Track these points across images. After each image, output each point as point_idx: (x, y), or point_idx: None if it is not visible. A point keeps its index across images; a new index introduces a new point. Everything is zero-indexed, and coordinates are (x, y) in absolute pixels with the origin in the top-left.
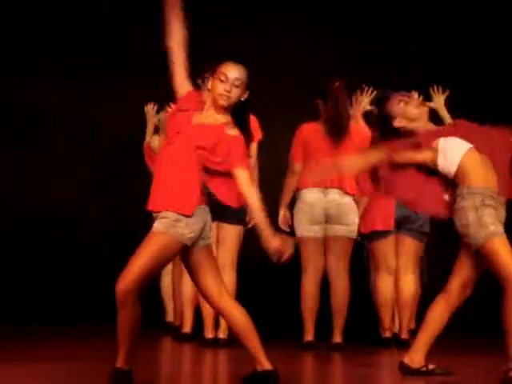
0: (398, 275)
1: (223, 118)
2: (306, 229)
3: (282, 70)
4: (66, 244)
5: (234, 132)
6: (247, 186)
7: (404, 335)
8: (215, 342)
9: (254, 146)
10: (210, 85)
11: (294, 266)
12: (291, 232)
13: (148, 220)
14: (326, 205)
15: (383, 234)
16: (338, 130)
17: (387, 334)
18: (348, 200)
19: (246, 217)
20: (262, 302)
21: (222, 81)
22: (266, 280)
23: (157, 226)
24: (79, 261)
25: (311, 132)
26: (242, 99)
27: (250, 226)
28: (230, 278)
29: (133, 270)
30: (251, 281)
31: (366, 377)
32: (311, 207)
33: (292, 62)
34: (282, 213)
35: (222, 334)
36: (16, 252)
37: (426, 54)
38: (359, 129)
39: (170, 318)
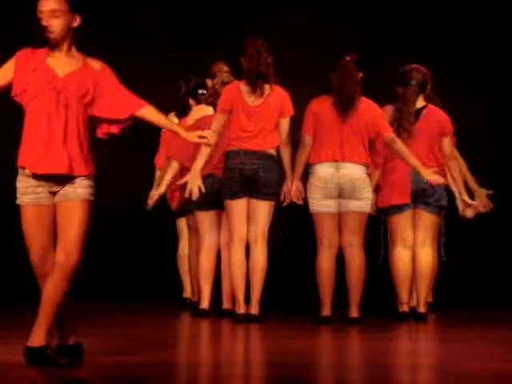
0: (416, 249)
1: (78, 55)
2: (320, 204)
3: (298, 47)
4: None
5: (98, 64)
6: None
7: (421, 309)
8: (247, 318)
9: (285, 122)
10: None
11: (310, 241)
12: (305, 206)
13: None
14: (340, 180)
15: (400, 207)
16: (343, 102)
17: (404, 308)
18: (361, 174)
19: (276, 192)
20: (279, 277)
21: (41, 18)
22: (283, 255)
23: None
24: None
25: (322, 104)
26: (76, 25)
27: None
28: (261, 251)
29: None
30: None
31: (383, 351)
32: (324, 182)
33: (308, 38)
34: (295, 186)
35: (254, 310)
36: None
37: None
38: (368, 107)
39: (187, 293)
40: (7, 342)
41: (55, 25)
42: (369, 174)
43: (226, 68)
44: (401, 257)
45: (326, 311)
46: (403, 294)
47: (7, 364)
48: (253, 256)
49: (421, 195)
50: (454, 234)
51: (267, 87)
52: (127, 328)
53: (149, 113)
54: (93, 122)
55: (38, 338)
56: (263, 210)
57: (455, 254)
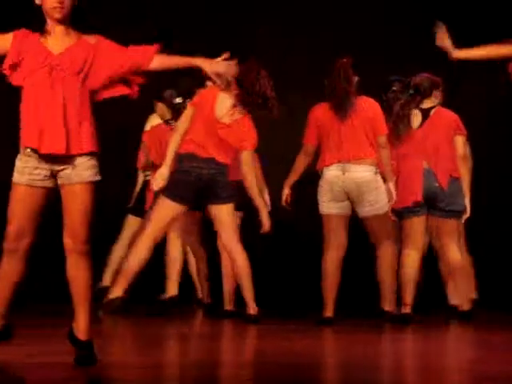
0: (442, 251)
1: (74, 32)
2: (328, 206)
3: (293, 52)
4: None
5: (93, 39)
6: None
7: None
8: (255, 320)
9: (246, 155)
10: (38, 0)
11: (317, 242)
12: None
13: None
14: (345, 183)
15: (413, 210)
16: (337, 104)
17: (407, 310)
18: (368, 175)
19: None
20: (283, 278)
21: None
22: (287, 256)
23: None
24: None
25: (322, 110)
26: (76, 4)
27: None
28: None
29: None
30: (270, 257)
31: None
32: (330, 185)
33: (306, 44)
34: (286, 192)
35: (253, 311)
36: None
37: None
38: (368, 105)
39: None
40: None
41: (67, 2)
42: (379, 173)
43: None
44: (410, 258)
45: (328, 312)
46: (407, 296)
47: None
48: (233, 258)
49: (433, 199)
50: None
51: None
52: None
53: (162, 58)
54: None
55: (85, 329)
56: (227, 212)
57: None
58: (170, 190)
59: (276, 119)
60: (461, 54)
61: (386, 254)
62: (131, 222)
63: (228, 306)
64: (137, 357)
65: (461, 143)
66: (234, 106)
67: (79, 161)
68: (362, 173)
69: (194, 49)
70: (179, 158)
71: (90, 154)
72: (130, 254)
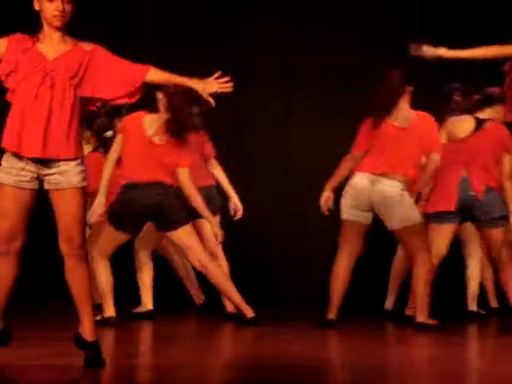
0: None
1: (70, 39)
2: (349, 212)
3: (293, 52)
4: None
5: (88, 46)
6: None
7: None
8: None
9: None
10: (37, 6)
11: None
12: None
13: None
14: (372, 193)
15: (445, 217)
16: (376, 114)
17: (413, 313)
18: (395, 191)
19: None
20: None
21: (51, 0)
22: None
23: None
24: None
25: (376, 123)
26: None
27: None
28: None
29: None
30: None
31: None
32: (357, 193)
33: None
34: (326, 194)
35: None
36: None
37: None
38: (425, 115)
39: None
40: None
41: (67, 11)
42: (409, 190)
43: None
44: (427, 263)
45: (332, 315)
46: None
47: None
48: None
49: (470, 208)
50: None
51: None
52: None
53: (156, 74)
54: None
55: (90, 330)
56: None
57: None
58: (117, 221)
59: (277, 119)
60: (448, 53)
61: (421, 263)
62: None
63: (229, 308)
64: (127, 359)
65: (508, 162)
66: (163, 127)
67: (68, 166)
68: (390, 187)
69: (193, 49)
70: (122, 189)
71: (77, 159)
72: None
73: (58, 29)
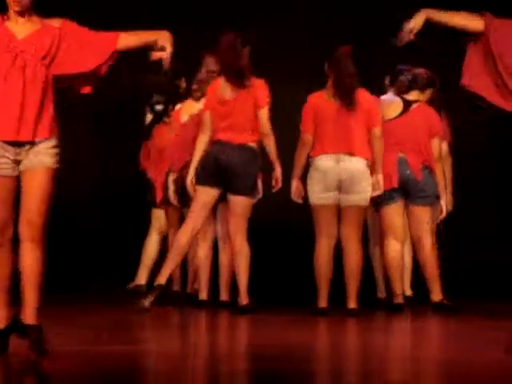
0: (414, 242)
1: (37, 18)
2: (319, 197)
3: (293, 52)
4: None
5: (57, 22)
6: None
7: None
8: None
9: (262, 112)
10: None
11: (308, 232)
12: (305, 201)
13: None
14: (340, 172)
15: (389, 197)
16: (342, 95)
17: (399, 300)
18: (361, 166)
19: (254, 187)
20: (275, 270)
21: None
22: (279, 247)
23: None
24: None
25: (320, 99)
26: None
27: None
28: (242, 246)
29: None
30: (263, 248)
31: (380, 343)
32: (324, 175)
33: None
34: (295, 184)
35: (244, 301)
36: None
37: None
38: (368, 97)
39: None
40: None
41: None
42: (369, 167)
43: (211, 58)
44: (392, 248)
45: (323, 303)
46: (397, 286)
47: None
48: (235, 250)
49: (407, 187)
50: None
51: (244, 80)
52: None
53: (127, 38)
54: (73, 79)
55: (33, 315)
56: (240, 205)
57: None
58: None
59: (273, 116)
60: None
61: (356, 250)
62: (157, 215)
63: (224, 296)
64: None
65: (436, 145)
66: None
67: (41, 147)
68: (356, 163)
69: (193, 49)
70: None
71: (52, 140)
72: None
73: (19, 13)
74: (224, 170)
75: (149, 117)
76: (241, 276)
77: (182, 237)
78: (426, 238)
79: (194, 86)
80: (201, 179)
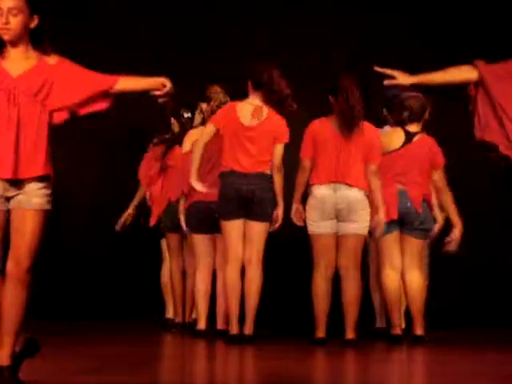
0: (404, 273)
1: (35, 54)
2: (317, 225)
3: (293, 52)
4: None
5: (53, 60)
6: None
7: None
8: (241, 339)
9: (280, 147)
10: None
11: (306, 261)
12: (305, 227)
13: None
14: (337, 201)
15: (387, 228)
16: (349, 124)
17: (397, 331)
18: (359, 195)
19: (271, 213)
20: (274, 298)
21: None
22: (277, 275)
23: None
24: None
25: (322, 126)
26: (32, 26)
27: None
28: (255, 273)
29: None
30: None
31: (379, 373)
32: (322, 203)
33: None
34: (295, 207)
35: (248, 331)
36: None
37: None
38: (372, 130)
39: (169, 314)
40: None
41: (14, 24)
42: (367, 196)
43: (219, 89)
44: (390, 279)
45: (321, 333)
46: (395, 317)
47: None
48: (248, 277)
49: (406, 218)
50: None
51: (265, 110)
52: (113, 348)
53: (126, 81)
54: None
55: (4, 356)
56: (258, 231)
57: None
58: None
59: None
60: (414, 78)
61: (354, 279)
62: (165, 245)
63: (221, 325)
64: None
65: (441, 177)
66: (258, 107)
67: (31, 187)
68: (354, 192)
69: (193, 48)
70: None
71: (43, 180)
72: (225, 286)
73: (10, 43)
74: (246, 199)
75: (176, 125)
76: (249, 304)
77: (232, 275)
78: (417, 271)
79: (207, 115)
80: (226, 213)
